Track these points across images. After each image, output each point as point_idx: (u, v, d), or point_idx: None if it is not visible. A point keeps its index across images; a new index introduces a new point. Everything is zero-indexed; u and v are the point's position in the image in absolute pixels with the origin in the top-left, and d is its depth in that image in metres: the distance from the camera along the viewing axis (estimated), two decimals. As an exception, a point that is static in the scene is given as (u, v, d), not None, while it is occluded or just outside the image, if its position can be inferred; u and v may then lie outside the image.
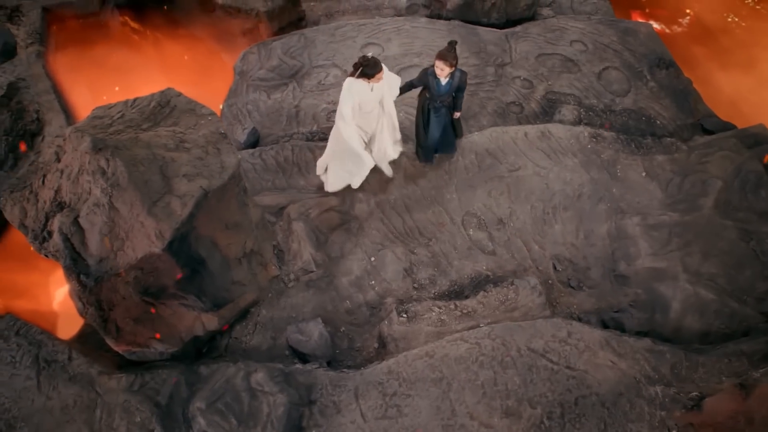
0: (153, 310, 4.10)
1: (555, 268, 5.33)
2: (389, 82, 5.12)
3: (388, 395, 4.46)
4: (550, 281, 5.26)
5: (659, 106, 6.78)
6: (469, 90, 6.62)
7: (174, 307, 4.22)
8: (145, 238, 3.47)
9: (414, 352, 4.64)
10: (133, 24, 7.30)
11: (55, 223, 3.43)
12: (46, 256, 3.61)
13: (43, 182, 3.61)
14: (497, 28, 7.65)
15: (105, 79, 6.68)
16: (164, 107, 3.88)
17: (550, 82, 6.90)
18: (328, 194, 5.58)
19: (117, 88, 6.73)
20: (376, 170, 5.61)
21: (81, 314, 3.78)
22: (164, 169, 3.53)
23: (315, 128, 6.55)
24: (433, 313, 4.93)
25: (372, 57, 4.81)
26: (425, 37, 7.33)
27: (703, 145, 6.07)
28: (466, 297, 5.08)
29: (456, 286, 5.22)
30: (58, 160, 3.61)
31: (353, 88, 4.93)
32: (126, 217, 3.40)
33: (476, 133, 6.14)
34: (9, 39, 6.11)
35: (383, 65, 4.90)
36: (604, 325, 5.09)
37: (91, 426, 4.40)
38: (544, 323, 4.77)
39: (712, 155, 5.89)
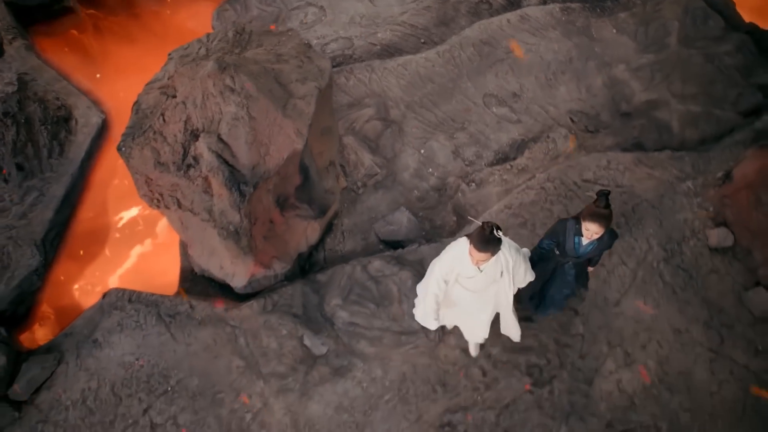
0: (276, 220, 4.43)
1: (572, 120, 6.15)
2: (510, 266, 3.77)
3: (487, 248, 5.11)
4: (573, 131, 6.07)
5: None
6: (442, -4, 7.16)
7: (290, 219, 4.57)
8: (286, 139, 3.80)
9: (494, 208, 5.31)
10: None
11: (200, 147, 3.65)
12: (194, 181, 3.82)
13: (164, 120, 3.79)
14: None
15: (102, 57, 6.58)
16: (242, 34, 4.12)
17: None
18: (362, 107, 6.00)
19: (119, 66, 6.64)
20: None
21: (232, 234, 4.03)
22: (278, 77, 3.83)
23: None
24: (495, 176, 5.61)
25: (488, 228, 3.39)
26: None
27: (651, -3, 7.09)
28: (514, 159, 5.80)
29: (500, 154, 5.90)
30: (174, 96, 3.79)
31: (456, 253, 3.74)
32: (264, 123, 3.70)
33: (466, 29, 6.75)
34: (-7, 38, 5.87)
35: (503, 244, 3.63)
36: (627, 153, 6.00)
37: (240, 353, 4.72)
38: (586, 159, 5.60)
39: (662, 3, 6.90)
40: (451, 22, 7.17)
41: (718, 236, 5.15)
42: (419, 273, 4.95)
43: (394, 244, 5.32)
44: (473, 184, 5.51)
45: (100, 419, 4.57)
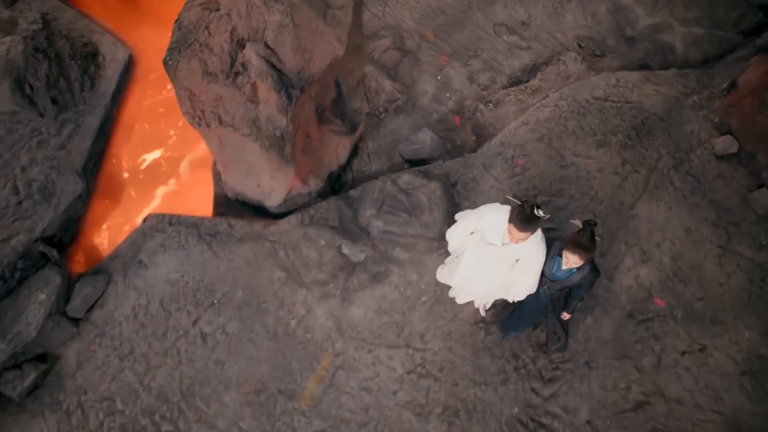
0: (313, 134, 4.65)
1: (580, 45, 6.39)
2: (530, 258, 3.73)
3: (508, 159, 5.39)
4: (581, 56, 6.32)
5: None
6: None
7: (325, 135, 4.80)
8: (328, 45, 4.00)
9: (512, 124, 5.57)
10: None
11: (248, 54, 3.84)
12: (241, 89, 4.02)
13: (210, 33, 3.96)
14: None
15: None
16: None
17: None
18: (379, 39, 6.19)
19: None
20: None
21: (277, 141, 4.23)
22: (314, -11, 4.03)
23: None
24: (511, 97, 5.86)
25: (528, 206, 3.38)
26: None
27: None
28: (527, 81, 6.04)
29: (513, 79, 6.15)
30: (217, 9, 3.96)
31: (492, 216, 3.73)
32: (307, 31, 3.89)
33: (472, -39, 6.91)
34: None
35: (536, 236, 3.64)
36: (634, 73, 6.27)
37: (281, 266, 4.98)
38: (596, 78, 5.86)
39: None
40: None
41: (724, 143, 5.47)
42: (446, 185, 5.22)
43: (418, 163, 5.57)
44: (490, 104, 5.77)
45: (153, 332, 4.83)
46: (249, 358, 4.72)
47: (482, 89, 6.06)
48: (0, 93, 5.30)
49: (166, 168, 6.59)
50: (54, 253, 4.87)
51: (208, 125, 4.58)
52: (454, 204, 5.16)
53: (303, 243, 4.99)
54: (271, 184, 4.88)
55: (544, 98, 5.79)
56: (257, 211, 5.40)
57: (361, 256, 4.89)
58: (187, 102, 4.40)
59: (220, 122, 4.51)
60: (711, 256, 5.12)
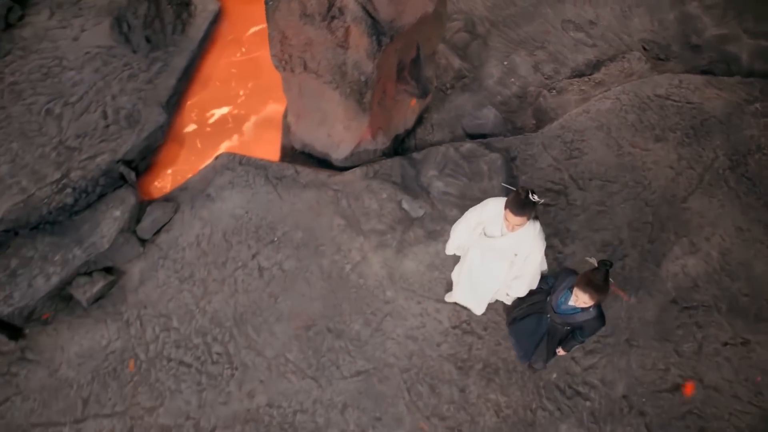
0: (389, 90, 4.89)
1: (644, 48, 6.57)
2: (526, 254, 3.78)
3: (567, 142, 5.57)
4: (644, 57, 6.50)
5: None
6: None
7: (399, 94, 5.05)
8: (419, 1, 4.28)
9: (574, 111, 5.76)
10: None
11: (347, 2, 4.13)
12: (334, 33, 4.29)
13: None
14: None
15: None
16: None
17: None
18: (454, 20, 6.46)
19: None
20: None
21: (359, 87, 4.48)
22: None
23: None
24: (574, 86, 6.06)
25: (523, 192, 3.42)
26: None
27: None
28: (591, 75, 6.24)
29: (577, 72, 6.35)
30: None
31: (492, 208, 3.80)
32: (403, -16, 4.19)
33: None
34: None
35: (535, 232, 3.69)
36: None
37: (342, 213, 5.21)
38: (659, 77, 6.03)
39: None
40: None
41: (782, 151, 5.56)
42: (506, 158, 5.41)
43: (479, 137, 5.77)
44: (554, 91, 5.97)
45: (213, 260, 5.08)
46: (302, 295, 4.93)
47: (546, 78, 6.27)
48: (101, 29, 5.71)
49: (232, 125, 6.90)
50: (132, 176, 5.18)
51: (292, 70, 4.86)
52: (512, 176, 5.34)
53: (365, 194, 5.21)
54: (342, 134, 5.13)
55: (606, 91, 5.97)
56: (321, 164, 5.65)
57: (420, 212, 5.09)
58: (278, 44, 4.70)
59: (305, 68, 4.79)
60: (761, 256, 5.19)
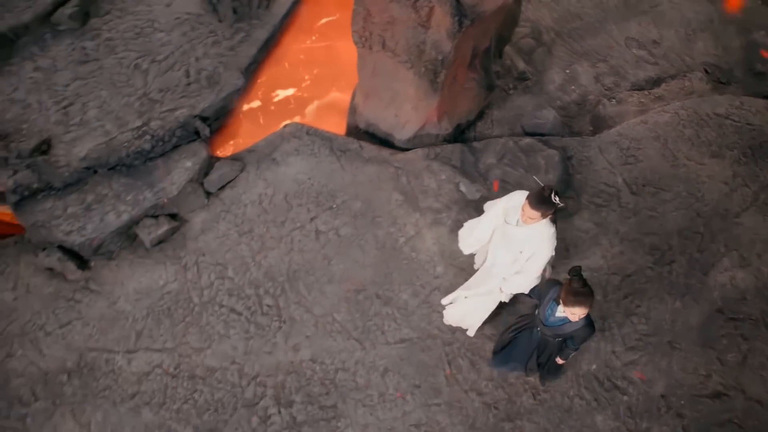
0: (460, 77, 5.12)
1: (706, 71, 6.70)
2: (531, 252, 3.87)
3: (623, 149, 5.70)
4: (705, 78, 6.62)
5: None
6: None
7: (468, 80, 5.28)
8: (502, -10, 4.56)
9: (632, 120, 5.90)
10: None
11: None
12: (419, 12, 4.55)
13: None
14: None
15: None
16: None
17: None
18: (522, 26, 6.70)
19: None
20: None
21: (435, 66, 4.71)
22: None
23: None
24: (633, 98, 6.21)
25: (548, 189, 3.59)
26: None
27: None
28: (650, 90, 6.38)
29: (637, 86, 6.50)
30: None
31: (514, 197, 3.98)
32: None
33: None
34: None
35: (548, 235, 3.78)
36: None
37: (401, 189, 5.40)
38: (720, 97, 6.14)
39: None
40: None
41: (839, 180, 5.59)
42: (563, 156, 5.56)
43: (537, 136, 5.94)
44: (613, 101, 6.13)
45: (273, 219, 5.30)
46: (355, 261, 5.10)
47: (606, 89, 6.43)
48: (192, -2, 6.12)
49: (294, 106, 7.20)
50: (206, 131, 5.48)
51: (370, 47, 5.13)
52: (567, 174, 5.48)
53: (425, 173, 5.40)
54: (409, 114, 5.36)
55: (665, 105, 6.10)
56: (383, 144, 5.87)
57: (477, 195, 5.25)
58: (361, 21, 4.98)
59: (383, 46, 5.05)
60: (811, 277, 5.19)
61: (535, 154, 5.48)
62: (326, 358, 4.75)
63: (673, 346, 4.83)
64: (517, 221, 3.87)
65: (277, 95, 7.17)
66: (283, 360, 4.74)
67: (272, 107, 7.04)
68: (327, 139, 5.70)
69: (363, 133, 5.99)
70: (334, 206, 5.35)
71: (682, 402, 4.66)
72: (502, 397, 4.62)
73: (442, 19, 4.51)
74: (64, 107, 5.51)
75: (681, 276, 5.10)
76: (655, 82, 6.50)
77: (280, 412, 4.57)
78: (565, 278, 3.56)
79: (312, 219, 5.30)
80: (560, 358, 4.19)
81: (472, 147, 5.63)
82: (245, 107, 6.71)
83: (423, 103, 5.17)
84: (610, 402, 4.64)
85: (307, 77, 7.20)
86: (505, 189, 5.35)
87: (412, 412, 4.55)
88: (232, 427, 4.53)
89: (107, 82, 5.66)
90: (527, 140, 5.57)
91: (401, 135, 5.60)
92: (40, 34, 5.91)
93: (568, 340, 3.89)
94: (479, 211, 5.26)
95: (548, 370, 4.40)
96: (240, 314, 4.92)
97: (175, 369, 4.75)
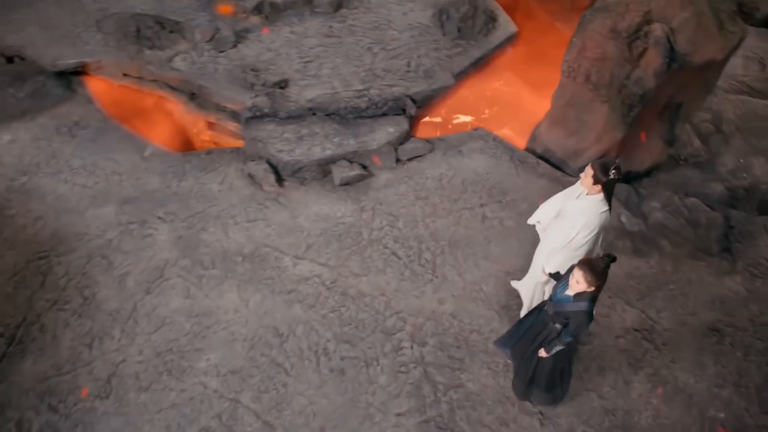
0: (647, 122, 5.67)
1: None
2: (581, 226, 4.15)
3: (789, 236, 5.85)
4: None
5: None
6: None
7: (652, 129, 5.81)
8: (712, 48, 5.13)
9: (802, 216, 6.06)
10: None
11: (654, 27, 5.10)
12: (632, 51, 5.25)
13: (627, 8, 5.30)
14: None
15: None
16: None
17: None
18: (704, 111, 7.19)
19: None
20: None
21: (629, 102, 5.34)
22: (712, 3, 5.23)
23: None
24: (806, 201, 6.37)
25: (614, 165, 3.94)
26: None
27: None
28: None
29: None
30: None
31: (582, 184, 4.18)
32: (703, 31, 5.04)
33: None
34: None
35: (602, 215, 4.09)
36: None
37: (564, 203, 5.88)
38: None
39: None
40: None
41: None
42: (726, 222, 5.81)
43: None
44: (786, 195, 6.35)
45: (448, 195, 5.97)
46: (511, 249, 5.57)
47: (778, 187, 6.66)
48: (425, 14, 7.31)
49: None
50: (412, 110, 6.38)
51: (574, 78, 5.85)
52: (728, 239, 5.71)
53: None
54: (590, 144, 5.93)
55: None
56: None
57: (635, 228, 5.61)
58: (575, 52, 5.74)
59: (586, 78, 5.75)
60: None
61: (698, 213, 5.78)
62: (465, 317, 5.14)
63: (809, 425, 4.73)
64: (579, 194, 4.19)
65: (456, 117, 8.07)
66: (427, 306, 5.20)
67: (450, 126, 7.92)
68: (509, 149, 6.39)
69: (538, 158, 6.61)
70: (503, 201, 5.92)
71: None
72: (620, 405, 4.73)
73: (653, 60, 5.16)
74: (305, 62, 6.69)
75: None
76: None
77: (412, 347, 4.97)
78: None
79: (481, 205, 5.89)
80: (545, 349, 4.06)
81: (638, 190, 6.05)
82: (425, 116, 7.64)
83: (608, 136, 5.74)
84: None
85: (487, 111, 8.06)
86: (662, 232, 5.67)
87: (533, 390, 4.77)
88: (367, 344, 4.98)
89: (343, 53, 6.82)
90: (693, 200, 5.90)
91: (575, 163, 6.15)
92: (302, 10, 7.29)
93: (563, 330, 3.87)
94: (633, 244, 5.62)
95: (538, 385, 4.38)
96: (400, 258, 5.49)
97: (332, 283, 5.35)
